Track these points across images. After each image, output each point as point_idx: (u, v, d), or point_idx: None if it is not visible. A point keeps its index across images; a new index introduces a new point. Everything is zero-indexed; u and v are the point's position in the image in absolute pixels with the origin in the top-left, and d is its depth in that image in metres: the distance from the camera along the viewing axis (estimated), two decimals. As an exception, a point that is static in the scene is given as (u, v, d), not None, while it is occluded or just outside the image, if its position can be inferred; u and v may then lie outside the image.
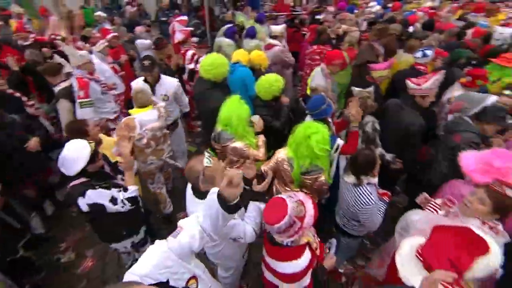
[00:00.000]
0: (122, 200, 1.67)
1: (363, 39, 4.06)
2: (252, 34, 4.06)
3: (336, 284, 2.39)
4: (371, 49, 3.17)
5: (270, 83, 2.33)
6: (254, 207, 1.50)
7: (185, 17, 4.51)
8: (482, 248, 1.08)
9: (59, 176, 2.59)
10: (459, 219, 1.47)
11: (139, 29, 5.10)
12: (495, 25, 5.08)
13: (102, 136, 2.24)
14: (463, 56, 3.01)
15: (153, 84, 2.64)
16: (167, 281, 1.02)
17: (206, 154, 1.33)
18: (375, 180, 1.76)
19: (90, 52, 3.50)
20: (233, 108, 1.91)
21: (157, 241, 1.13)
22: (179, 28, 4.19)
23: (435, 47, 3.60)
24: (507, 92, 2.51)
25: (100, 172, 1.79)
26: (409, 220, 1.48)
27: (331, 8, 6.21)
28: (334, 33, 4.37)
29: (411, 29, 4.97)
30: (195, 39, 4.31)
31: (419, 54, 2.90)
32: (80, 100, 2.79)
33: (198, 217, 1.18)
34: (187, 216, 1.27)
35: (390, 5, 7.48)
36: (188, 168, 1.36)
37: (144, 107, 2.29)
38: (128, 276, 0.97)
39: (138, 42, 4.67)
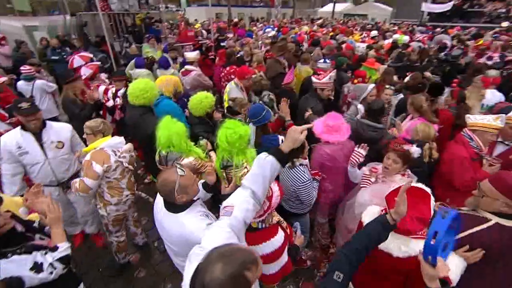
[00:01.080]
0: (51, 264, 1.33)
1: (267, 57, 4.78)
2: (165, 65, 4.22)
3: (306, 271, 2.60)
4: (278, 62, 3.82)
5: (201, 100, 2.51)
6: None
7: (88, 54, 4.24)
8: (425, 194, 1.32)
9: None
10: (387, 179, 1.95)
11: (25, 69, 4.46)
12: (356, 41, 6.91)
13: (1, 195, 1.85)
14: (344, 63, 4.02)
15: (37, 131, 2.19)
16: None
17: (178, 165, 1.36)
18: (306, 161, 2.13)
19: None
20: (170, 128, 1.96)
21: (216, 222, 1.11)
22: (78, 63, 3.91)
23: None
24: (387, 87, 3.45)
25: (10, 235, 1.38)
26: (362, 199, 1.81)
27: (230, 35, 7.00)
28: (246, 54, 5.00)
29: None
30: (103, 74, 4.13)
31: (322, 61, 3.68)
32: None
33: (245, 188, 1.19)
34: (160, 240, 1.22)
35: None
36: (162, 180, 1.33)
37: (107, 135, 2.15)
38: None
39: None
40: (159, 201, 1.50)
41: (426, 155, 2.14)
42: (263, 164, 1.17)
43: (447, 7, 10.82)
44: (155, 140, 2.02)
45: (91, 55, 4.25)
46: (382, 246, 1.28)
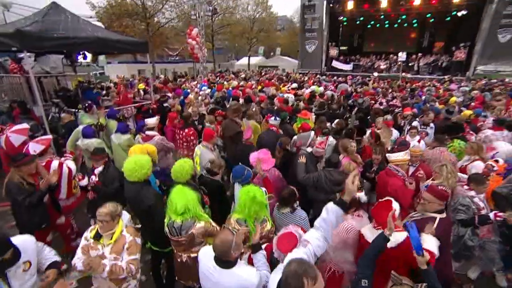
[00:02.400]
0: None
1: (217, 115, 5.30)
2: (125, 130, 4.22)
3: None
4: (234, 122, 4.37)
5: (183, 166, 2.71)
6: (260, 256, 1.85)
7: (23, 125, 3.82)
8: (389, 206, 2.14)
9: None
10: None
11: None
12: (285, 93, 8.28)
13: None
14: (286, 116, 4.90)
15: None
16: None
17: (228, 226, 1.60)
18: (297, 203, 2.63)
19: None
20: (186, 195, 2.12)
21: (296, 250, 1.54)
22: (18, 140, 3.53)
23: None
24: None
25: None
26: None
27: (169, 94, 7.37)
28: (194, 114, 5.39)
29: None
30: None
31: (272, 118, 4.37)
32: None
33: (317, 229, 1.62)
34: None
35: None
36: (221, 241, 1.56)
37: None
38: None
39: None
40: (207, 266, 1.70)
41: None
42: (331, 210, 1.65)
43: (349, 67, 14.28)
44: (157, 211, 2.11)
45: (27, 126, 3.89)
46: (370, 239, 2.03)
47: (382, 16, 22.21)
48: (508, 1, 16.33)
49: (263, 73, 19.59)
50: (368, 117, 5.73)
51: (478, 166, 3.54)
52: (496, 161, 3.48)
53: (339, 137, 4.42)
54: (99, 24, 10.91)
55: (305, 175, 3.21)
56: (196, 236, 2.11)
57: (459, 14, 19.14)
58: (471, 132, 4.57)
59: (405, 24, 22.87)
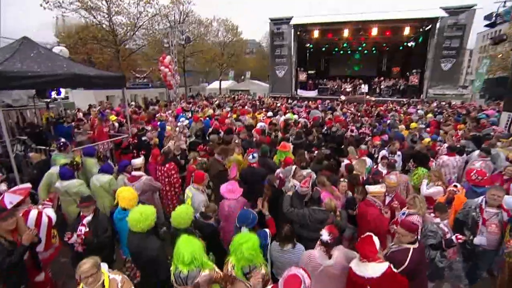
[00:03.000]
0: None
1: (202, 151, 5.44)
2: (110, 170, 4.19)
3: None
4: (217, 161, 4.57)
5: (186, 212, 2.78)
6: None
7: None
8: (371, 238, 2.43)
9: None
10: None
11: None
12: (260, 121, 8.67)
13: None
14: (267, 150, 5.19)
15: None
16: None
17: (242, 280, 1.73)
18: None
19: None
20: (193, 244, 2.20)
21: None
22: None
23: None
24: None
25: None
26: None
27: (148, 127, 7.36)
28: (176, 149, 5.49)
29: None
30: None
31: (250, 157, 4.61)
32: None
33: None
34: None
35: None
36: None
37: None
38: None
39: None
40: None
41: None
42: None
43: (314, 93, 15.32)
44: (160, 262, 2.18)
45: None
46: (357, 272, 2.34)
47: (345, 45, 24.50)
48: (445, 36, 19.15)
49: (236, 98, 20.17)
50: (342, 146, 6.25)
51: (440, 191, 4.14)
52: (455, 185, 4.06)
53: (320, 168, 4.81)
54: (63, 48, 10.60)
55: (289, 208, 3.45)
56: (201, 284, 2.21)
57: (409, 44, 21.81)
58: (431, 159, 5.23)
59: (366, 51, 25.39)
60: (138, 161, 4.34)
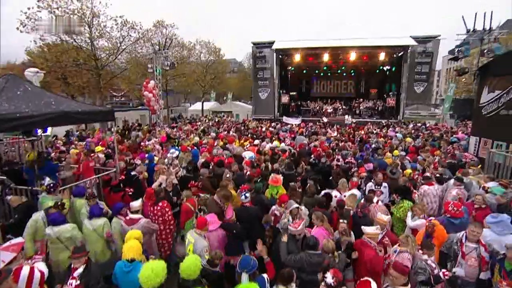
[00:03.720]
0: None
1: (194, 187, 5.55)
2: (99, 213, 4.17)
3: None
4: (216, 203, 4.73)
5: (195, 263, 2.84)
6: None
7: None
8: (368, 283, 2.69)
9: None
10: None
11: None
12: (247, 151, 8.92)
13: None
14: (261, 187, 5.42)
15: None
16: None
17: None
18: None
19: None
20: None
21: None
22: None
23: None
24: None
25: None
26: None
27: (137, 160, 7.37)
28: (168, 185, 5.56)
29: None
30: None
31: (243, 197, 4.78)
32: None
33: None
34: None
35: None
36: None
37: None
38: None
39: None
40: None
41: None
42: None
43: (298, 121, 15.97)
44: None
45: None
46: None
47: (325, 68, 25.89)
48: (416, 62, 21.07)
49: (220, 121, 20.48)
50: (330, 177, 6.61)
51: (424, 224, 4.51)
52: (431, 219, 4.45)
53: (313, 203, 5.08)
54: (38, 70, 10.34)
55: (287, 256, 3.60)
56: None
57: (385, 68, 23.52)
58: (414, 191, 5.69)
59: (345, 74, 26.97)
60: (137, 203, 4.36)
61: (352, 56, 21.78)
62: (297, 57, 22.78)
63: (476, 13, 14.27)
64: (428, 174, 6.29)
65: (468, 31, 13.50)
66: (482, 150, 9.52)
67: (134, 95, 21.64)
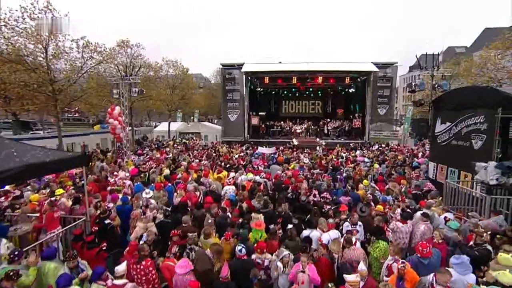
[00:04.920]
0: None
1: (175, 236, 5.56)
2: (69, 282, 3.96)
3: None
4: (208, 258, 4.82)
5: None
6: None
7: None
8: None
9: None
10: None
11: None
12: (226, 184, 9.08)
13: None
14: (246, 235, 5.62)
15: None
16: None
17: None
18: None
19: None
20: None
21: None
22: None
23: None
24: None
25: None
26: None
27: (110, 204, 7.14)
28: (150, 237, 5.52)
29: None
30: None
31: (238, 250, 4.92)
32: None
33: None
34: None
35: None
36: None
37: None
38: None
39: None
40: None
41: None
42: None
43: (272, 150, 16.37)
44: None
45: None
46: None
47: (293, 89, 27.30)
48: (378, 86, 23.39)
49: (188, 145, 20.37)
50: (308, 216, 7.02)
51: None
52: (403, 262, 4.98)
53: (294, 246, 5.39)
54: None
55: None
56: None
57: (350, 91, 25.49)
58: (387, 229, 6.29)
59: (312, 95, 28.64)
60: (121, 268, 4.24)
61: (319, 79, 23.37)
62: (266, 80, 23.79)
63: (426, 53, 16.67)
64: (399, 210, 6.96)
65: (421, 69, 15.63)
66: (439, 175, 10.81)
67: (91, 113, 20.45)
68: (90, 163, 13.77)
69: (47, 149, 6.08)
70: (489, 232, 5.72)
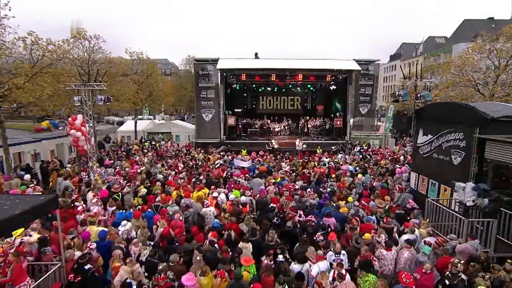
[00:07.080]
0: None
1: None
2: None
3: None
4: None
5: None
6: None
7: None
8: None
9: None
10: None
11: None
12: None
13: None
14: (239, 274, 6.00)
15: None
16: None
17: None
18: None
19: None
20: None
21: None
22: None
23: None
24: None
25: None
26: None
27: (92, 245, 7.06)
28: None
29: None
30: None
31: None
32: None
33: None
34: None
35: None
36: None
37: None
38: None
39: None
40: None
41: None
42: None
43: (249, 163, 16.67)
44: None
45: None
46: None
47: (271, 86, 27.72)
48: (360, 84, 24.46)
49: (159, 150, 20.21)
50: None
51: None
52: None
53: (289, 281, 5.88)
54: None
55: None
56: None
57: (331, 88, 26.40)
58: (373, 258, 6.98)
59: (291, 91, 29.24)
60: None
61: (299, 76, 23.95)
62: (243, 76, 23.91)
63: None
64: (383, 236, 7.68)
65: (405, 78, 16.74)
66: (421, 186, 11.89)
67: (37, 110, 18.55)
68: (49, 180, 13.31)
69: (13, 196, 5.88)
70: (466, 258, 6.64)
